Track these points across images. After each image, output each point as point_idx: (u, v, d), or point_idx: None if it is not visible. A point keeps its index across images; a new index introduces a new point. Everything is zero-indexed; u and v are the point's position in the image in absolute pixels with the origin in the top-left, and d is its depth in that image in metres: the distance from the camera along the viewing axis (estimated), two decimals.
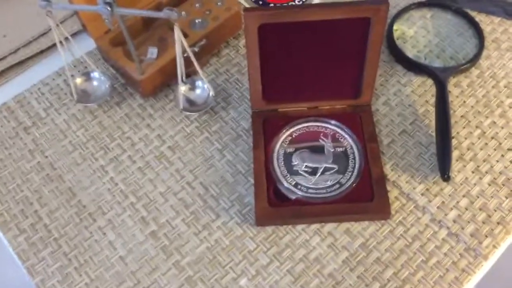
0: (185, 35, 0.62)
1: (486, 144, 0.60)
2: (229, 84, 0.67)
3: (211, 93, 0.61)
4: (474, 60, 0.65)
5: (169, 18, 0.49)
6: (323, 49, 0.56)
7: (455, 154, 0.59)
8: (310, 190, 0.56)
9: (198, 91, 0.62)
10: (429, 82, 0.65)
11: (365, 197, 0.55)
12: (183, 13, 0.64)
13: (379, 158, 0.57)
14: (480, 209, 0.56)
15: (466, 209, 0.56)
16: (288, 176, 0.57)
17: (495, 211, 0.56)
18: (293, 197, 0.56)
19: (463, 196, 0.57)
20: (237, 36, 0.70)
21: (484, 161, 0.59)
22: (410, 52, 0.67)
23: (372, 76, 0.58)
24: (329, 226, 0.55)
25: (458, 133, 0.61)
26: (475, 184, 0.58)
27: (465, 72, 0.65)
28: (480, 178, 0.58)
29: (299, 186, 0.56)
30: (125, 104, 0.65)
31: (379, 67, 0.65)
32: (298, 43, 0.55)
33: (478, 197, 0.57)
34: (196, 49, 0.62)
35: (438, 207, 0.56)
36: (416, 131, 0.62)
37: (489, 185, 0.57)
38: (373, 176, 0.56)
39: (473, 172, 0.58)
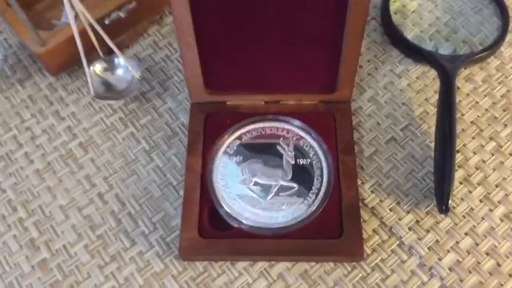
0: None
1: (502, 163, 0.45)
2: (169, 62, 0.51)
3: (136, 75, 0.46)
4: (493, 47, 0.49)
5: None
6: (286, 18, 0.40)
7: (459, 174, 0.44)
8: (259, 218, 0.41)
9: (119, 71, 0.46)
10: (432, 73, 0.49)
11: (332, 231, 0.40)
12: None
13: (354, 176, 0.42)
14: (487, 254, 0.41)
15: (468, 253, 0.41)
16: (231, 194, 0.42)
17: (507, 258, 0.41)
18: (235, 224, 0.41)
19: (466, 234, 0.42)
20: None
21: (497, 186, 0.44)
22: (410, 32, 0.51)
23: (353, 63, 0.42)
24: (280, 266, 0.41)
25: (465, 145, 0.46)
26: (482, 219, 0.43)
27: (480, 62, 0.49)
28: (491, 210, 0.43)
29: (243, 210, 0.41)
30: (30, 82, 0.50)
31: (368, 50, 0.50)
32: (251, 8, 0.39)
33: (485, 237, 0.42)
34: (122, 14, 0.46)
35: (430, 248, 0.41)
36: (409, 139, 0.46)
37: (502, 220, 0.42)
38: (344, 201, 0.41)
39: (481, 201, 0.43)
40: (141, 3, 0.47)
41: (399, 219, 0.43)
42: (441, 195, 0.41)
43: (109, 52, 0.46)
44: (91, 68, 0.45)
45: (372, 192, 0.44)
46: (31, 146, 0.47)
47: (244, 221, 0.40)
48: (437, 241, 0.42)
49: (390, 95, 0.48)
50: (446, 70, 0.46)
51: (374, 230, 0.42)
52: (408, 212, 0.43)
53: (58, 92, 0.49)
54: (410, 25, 0.51)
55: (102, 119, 0.48)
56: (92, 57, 0.46)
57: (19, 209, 0.44)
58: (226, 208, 0.41)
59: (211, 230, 0.41)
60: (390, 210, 0.43)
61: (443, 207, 0.41)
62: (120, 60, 0.46)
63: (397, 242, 0.42)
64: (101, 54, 0.45)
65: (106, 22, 0.45)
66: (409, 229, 0.42)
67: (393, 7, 0.51)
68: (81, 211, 0.44)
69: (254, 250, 0.40)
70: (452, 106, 0.44)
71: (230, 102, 0.45)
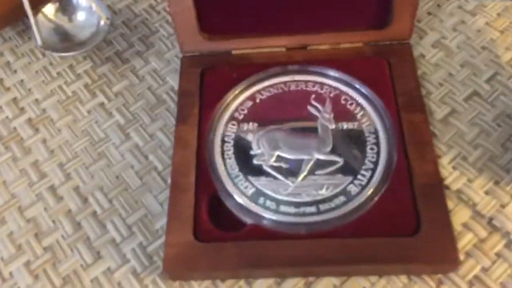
0: None
1: None
2: (154, 13, 0.38)
3: (104, 17, 0.32)
4: None
5: None
6: None
7: None
8: (285, 208, 0.27)
9: (80, 15, 0.33)
10: None
11: (402, 226, 0.26)
12: None
13: (429, 142, 0.28)
14: None
15: None
16: (241, 177, 0.28)
17: None
18: (249, 220, 0.27)
19: None
20: None
21: None
22: None
23: None
24: (324, 285, 0.26)
25: None
26: None
27: None
28: None
29: (262, 200, 0.27)
30: None
31: None
32: None
33: None
34: None
35: None
36: (499, 93, 0.32)
37: None
38: (416, 180, 0.27)
39: None
40: None
41: (502, 206, 0.28)
42: None
43: None
44: (41, 11, 0.32)
45: (454, 168, 0.29)
46: None
47: (264, 215, 0.26)
48: None
49: (464, 37, 0.34)
50: None
51: (465, 225, 0.27)
52: None
53: (4, 57, 0.36)
54: None
55: (60, 87, 0.34)
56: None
57: None
58: (236, 197, 0.27)
59: (213, 230, 0.26)
60: (486, 193, 0.28)
61: None
62: (81, 2, 0.33)
63: (504, 241, 0.27)
64: None
65: None
66: None
67: None
68: (23, 212, 0.30)
69: (280, 258, 0.25)
70: None
71: (236, 51, 0.32)
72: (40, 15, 0.32)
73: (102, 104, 0.34)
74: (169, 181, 0.29)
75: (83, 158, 0.32)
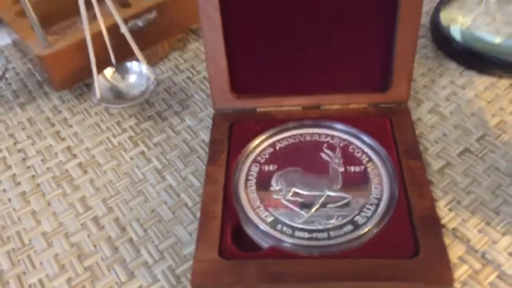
0: (127, 5, 0.42)
1: None
2: (191, 83, 0.45)
3: (152, 77, 0.39)
4: None
5: None
6: (326, 3, 0.34)
7: None
8: (300, 233, 0.30)
9: (132, 78, 0.40)
10: (503, 84, 0.41)
11: (403, 249, 0.29)
12: None
13: (426, 183, 0.32)
14: None
15: None
16: (262, 208, 0.32)
17: None
18: (266, 244, 0.30)
19: None
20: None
21: None
22: (473, 43, 0.44)
23: (410, 51, 0.35)
24: None
25: None
26: None
27: None
28: None
29: (279, 226, 0.31)
30: (32, 105, 0.44)
31: (419, 65, 0.43)
32: None
33: None
34: (140, 23, 0.41)
35: None
36: (488, 151, 0.36)
37: None
38: (415, 213, 0.30)
39: None
40: (163, 15, 0.43)
41: (494, 242, 0.31)
42: None
43: (120, 60, 0.40)
44: (102, 72, 0.39)
45: (450, 210, 0.33)
46: (21, 168, 0.39)
47: (281, 238, 0.30)
48: None
49: (455, 106, 0.40)
50: None
51: (461, 258, 0.31)
52: (504, 234, 0.31)
53: (62, 114, 0.43)
54: (468, 37, 0.44)
55: (108, 138, 0.40)
56: (102, 65, 0.40)
57: None
58: (257, 223, 0.31)
59: (236, 251, 0.30)
60: (479, 231, 0.32)
61: None
62: (133, 65, 0.40)
63: (497, 273, 0.30)
64: (113, 60, 0.39)
65: (122, 30, 0.40)
66: (510, 254, 0.31)
67: (444, 21, 0.45)
68: (69, 238, 0.34)
69: (296, 275, 0.28)
70: None
71: (260, 108, 0.38)
72: (100, 76, 0.39)
73: (142, 152, 0.39)
74: (198, 214, 0.34)
75: (124, 195, 0.36)
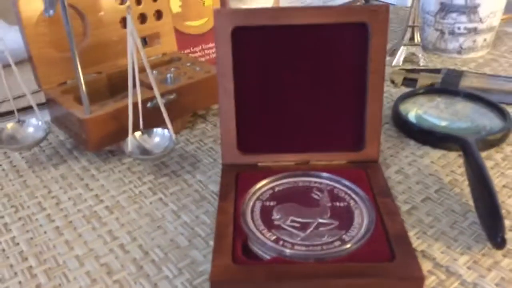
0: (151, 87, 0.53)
1: None
2: (200, 151, 0.53)
3: (173, 137, 0.48)
4: (505, 130, 0.53)
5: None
6: (313, 78, 0.45)
7: (506, 223, 0.41)
8: (298, 247, 0.37)
9: (156, 139, 0.48)
10: (452, 155, 0.51)
11: (382, 256, 0.36)
12: (154, 72, 0.56)
13: (397, 213, 0.40)
14: None
15: None
16: (265, 230, 0.39)
17: None
18: (272, 254, 0.37)
19: None
20: (217, 113, 0.60)
21: None
22: (425, 125, 0.55)
23: (377, 119, 0.45)
24: None
25: (503, 201, 0.44)
26: None
27: (495, 147, 0.52)
28: None
29: (281, 242, 0.37)
30: (64, 165, 0.51)
31: (386, 142, 0.53)
32: (281, 69, 0.45)
33: None
34: (163, 100, 0.51)
35: (497, 285, 0.36)
36: (444, 199, 0.45)
37: None
38: (390, 233, 0.38)
39: None
40: (181, 97, 0.53)
41: (454, 260, 0.38)
42: (495, 231, 0.38)
43: (145, 127, 0.49)
44: (133, 134, 0.48)
45: (418, 238, 0.40)
46: (54, 209, 0.45)
47: (283, 250, 0.36)
48: (503, 278, 0.36)
49: (416, 169, 0.49)
50: (468, 139, 0.48)
51: (429, 271, 0.37)
52: (462, 254, 0.39)
53: (90, 172, 0.50)
54: (423, 122, 0.55)
55: (130, 188, 0.47)
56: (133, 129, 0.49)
57: (30, 259, 0.39)
58: (263, 240, 0.37)
59: (246, 260, 0.36)
60: (442, 252, 0.39)
61: (499, 240, 0.38)
62: (158, 130, 0.49)
63: (459, 281, 0.36)
64: (141, 126, 0.48)
65: (149, 105, 0.50)
66: (468, 268, 0.37)
67: (403, 111, 0.57)
68: (98, 259, 0.39)
69: (296, 273, 0.34)
70: (483, 169, 0.44)
71: (261, 163, 0.46)
72: (131, 137, 0.47)
73: (160, 199, 0.46)
74: (210, 242, 0.40)
75: (146, 229, 0.42)
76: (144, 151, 0.48)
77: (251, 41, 0.44)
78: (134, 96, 0.47)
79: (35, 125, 0.51)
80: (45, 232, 0.42)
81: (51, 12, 0.42)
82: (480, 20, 0.71)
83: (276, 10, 0.43)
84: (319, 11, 0.43)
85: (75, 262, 0.39)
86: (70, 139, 0.55)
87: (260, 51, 0.44)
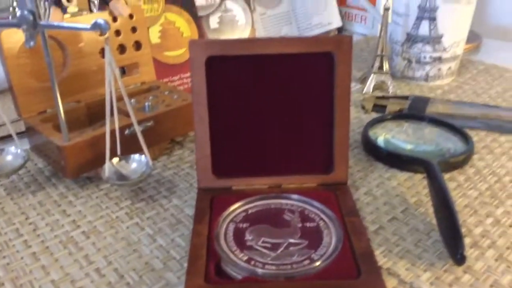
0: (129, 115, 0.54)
1: (505, 232, 0.45)
2: (177, 177, 0.55)
3: (150, 162, 0.49)
4: (467, 153, 0.55)
5: (98, 31, 0.42)
6: (283, 105, 0.47)
7: (466, 241, 0.44)
8: (269, 266, 0.38)
9: (133, 165, 0.50)
10: (418, 177, 0.54)
11: (349, 274, 0.38)
12: (132, 100, 0.58)
13: (364, 232, 0.42)
14: None
15: None
16: (238, 251, 0.40)
17: None
18: (245, 274, 0.38)
19: (491, 286, 0.39)
20: (194, 140, 0.62)
21: (508, 248, 0.43)
22: (393, 149, 0.57)
23: (345, 143, 0.48)
24: None
25: (464, 220, 0.47)
26: (503, 273, 0.40)
27: (458, 168, 0.55)
28: (508, 267, 0.41)
29: (253, 262, 0.39)
30: (42, 192, 0.52)
31: (356, 165, 0.56)
32: (253, 96, 0.47)
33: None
34: (141, 128, 0.53)
35: None
36: (410, 218, 0.47)
37: None
38: (357, 251, 0.40)
39: (496, 260, 0.42)
40: (158, 125, 0.55)
41: (418, 276, 0.40)
42: (455, 248, 0.41)
43: (123, 154, 0.51)
44: (111, 161, 0.49)
45: (384, 256, 0.42)
46: (31, 236, 0.45)
47: (255, 269, 0.38)
48: None
49: (383, 190, 0.51)
50: (431, 162, 0.50)
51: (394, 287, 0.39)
52: (425, 271, 0.41)
53: (68, 198, 0.51)
54: (391, 146, 0.58)
55: (108, 214, 0.48)
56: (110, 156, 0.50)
57: (7, 284, 0.40)
58: (235, 260, 0.39)
59: (219, 280, 0.37)
60: (406, 269, 0.41)
61: (459, 257, 0.40)
62: (135, 156, 0.50)
63: None
64: (119, 152, 0.50)
65: (126, 132, 0.52)
66: (431, 284, 0.39)
67: (372, 136, 0.60)
68: (74, 283, 0.40)
69: None
70: (445, 190, 0.46)
71: (235, 187, 0.48)
72: (109, 163, 0.49)
73: (137, 223, 0.47)
74: (185, 264, 0.41)
75: (122, 253, 0.43)
76: (121, 177, 0.49)
77: (225, 70, 0.46)
78: (112, 123, 0.49)
79: (13, 153, 0.52)
80: (21, 258, 0.43)
81: (31, 43, 0.44)
82: (444, 50, 0.75)
83: (247, 41, 0.46)
84: (288, 42, 0.45)
85: (51, 287, 0.40)
86: (49, 167, 0.56)
87: (233, 80, 0.47)
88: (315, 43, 0.46)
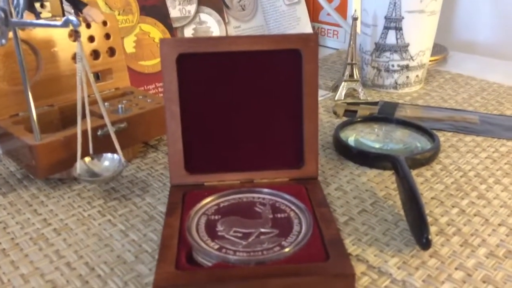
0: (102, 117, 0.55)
1: (470, 220, 0.47)
2: (150, 177, 0.55)
3: (123, 160, 0.50)
4: (433, 149, 0.57)
5: (70, 27, 0.43)
6: (253, 101, 0.49)
7: (433, 229, 0.45)
8: (240, 254, 0.39)
9: (105, 163, 0.50)
10: (387, 173, 0.55)
11: (318, 258, 0.38)
12: (106, 103, 0.58)
13: (332, 220, 0.43)
14: (484, 282, 0.39)
15: (464, 282, 0.39)
16: (209, 240, 0.40)
17: (505, 283, 0.39)
18: (215, 261, 0.38)
19: (456, 269, 0.40)
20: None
21: (472, 235, 0.44)
22: (362, 147, 0.59)
23: (314, 138, 0.49)
24: None
25: (431, 211, 0.48)
26: (468, 257, 0.42)
27: (425, 165, 0.56)
28: (473, 251, 0.42)
29: (224, 250, 0.39)
30: (13, 194, 0.52)
31: (327, 163, 0.57)
32: (224, 93, 0.48)
33: (476, 269, 0.40)
34: (114, 129, 0.53)
35: (424, 281, 0.39)
36: (378, 210, 0.48)
37: (487, 258, 0.41)
38: (325, 238, 0.40)
39: (461, 246, 0.43)
40: (132, 127, 0.55)
41: (385, 261, 0.41)
42: (421, 233, 0.42)
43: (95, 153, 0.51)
44: (83, 159, 0.49)
45: (353, 245, 0.43)
46: (1, 233, 0.45)
47: (226, 256, 0.38)
48: (429, 275, 0.39)
49: (353, 186, 0.53)
50: (398, 157, 0.52)
51: (362, 273, 0.40)
52: (393, 257, 0.42)
53: (39, 198, 0.51)
54: (360, 146, 0.59)
55: (80, 212, 0.48)
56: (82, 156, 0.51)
57: None
58: (206, 249, 0.39)
59: (189, 267, 0.38)
60: (374, 256, 0.42)
61: (424, 241, 0.41)
62: (107, 155, 0.50)
63: (390, 279, 0.39)
64: (91, 151, 0.50)
65: (99, 133, 0.52)
66: (398, 268, 0.40)
67: (343, 137, 0.61)
68: (44, 276, 0.40)
69: (237, 276, 0.36)
70: (412, 182, 0.47)
71: (207, 183, 0.48)
72: (81, 161, 0.49)
73: (109, 220, 0.47)
74: (156, 256, 0.41)
75: (93, 247, 0.43)
76: (93, 175, 0.49)
77: (195, 67, 0.47)
78: (84, 125, 0.50)
79: None
80: None
81: (3, 41, 0.45)
82: (411, 58, 0.78)
83: (216, 39, 0.47)
84: (256, 39, 0.47)
85: (20, 280, 0.39)
86: (21, 170, 0.56)
87: (204, 77, 0.48)
88: (283, 40, 0.47)
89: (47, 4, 0.58)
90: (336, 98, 0.78)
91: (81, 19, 0.59)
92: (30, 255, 0.42)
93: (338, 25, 1.05)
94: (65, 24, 0.43)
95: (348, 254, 0.39)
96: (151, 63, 0.78)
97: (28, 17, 0.56)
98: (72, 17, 0.43)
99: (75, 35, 0.43)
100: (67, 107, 0.59)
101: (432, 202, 0.50)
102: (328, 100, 0.78)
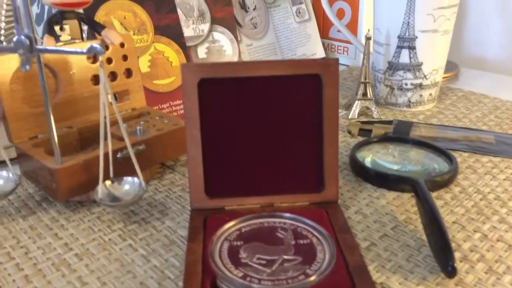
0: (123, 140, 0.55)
1: (493, 246, 0.46)
2: (169, 200, 0.55)
3: (143, 183, 0.50)
4: (452, 171, 0.57)
5: (94, 54, 0.43)
6: (273, 126, 0.49)
7: (457, 255, 0.45)
8: (265, 282, 0.39)
9: (126, 186, 0.50)
10: (406, 196, 0.55)
11: (344, 286, 0.38)
12: (124, 124, 0.58)
13: (356, 248, 0.43)
14: None
15: None
16: (233, 268, 0.40)
17: None
18: None
19: None
20: (185, 164, 0.62)
21: (496, 261, 0.44)
22: (380, 169, 0.59)
23: (334, 162, 0.49)
24: None
25: (453, 236, 0.48)
26: (493, 285, 0.41)
27: (444, 187, 0.56)
28: (498, 279, 0.42)
29: (248, 278, 0.39)
30: (33, 217, 0.52)
31: (345, 185, 0.57)
32: (244, 118, 0.48)
33: None
34: (133, 150, 0.54)
35: None
36: (400, 235, 0.48)
37: None
38: (350, 265, 0.40)
39: (486, 273, 0.43)
40: (150, 148, 0.56)
41: None
42: (446, 261, 0.41)
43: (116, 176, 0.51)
44: (104, 183, 0.49)
45: (377, 271, 0.43)
46: (23, 259, 0.45)
47: (250, 285, 0.38)
48: None
49: (373, 209, 0.52)
50: (418, 180, 0.52)
51: None
52: (418, 285, 0.41)
53: (60, 222, 0.51)
54: (377, 168, 0.59)
55: (100, 236, 0.48)
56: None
57: None
58: (231, 277, 0.39)
59: None
60: (400, 284, 0.41)
61: (449, 269, 0.41)
62: (127, 179, 0.50)
63: None
64: (111, 175, 0.50)
65: (118, 155, 0.52)
66: None
67: (360, 158, 0.61)
68: None
69: None
70: (434, 207, 0.47)
71: (228, 207, 0.48)
72: (102, 185, 0.49)
73: (130, 245, 0.47)
74: (180, 283, 0.41)
75: (116, 274, 0.43)
76: (114, 199, 0.49)
77: (216, 92, 0.47)
78: (105, 147, 0.50)
79: (5, 177, 0.52)
80: (13, 281, 0.42)
81: (27, 67, 0.45)
82: (425, 77, 0.78)
83: (237, 64, 0.47)
84: (275, 64, 0.47)
85: None
86: (40, 192, 0.56)
87: (224, 101, 0.48)
88: (302, 65, 0.47)
89: (66, 27, 0.58)
90: (349, 117, 0.78)
91: (99, 41, 0.60)
92: (53, 282, 0.42)
93: (348, 42, 1.06)
94: (89, 51, 0.43)
95: (373, 282, 0.39)
96: (165, 82, 0.78)
97: (48, 40, 0.56)
98: (96, 44, 0.43)
99: (100, 64, 0.44)
100: (85, 128, 0.60)
101: (454, 226, 0.49)
102: (341, 118, 0.78)
